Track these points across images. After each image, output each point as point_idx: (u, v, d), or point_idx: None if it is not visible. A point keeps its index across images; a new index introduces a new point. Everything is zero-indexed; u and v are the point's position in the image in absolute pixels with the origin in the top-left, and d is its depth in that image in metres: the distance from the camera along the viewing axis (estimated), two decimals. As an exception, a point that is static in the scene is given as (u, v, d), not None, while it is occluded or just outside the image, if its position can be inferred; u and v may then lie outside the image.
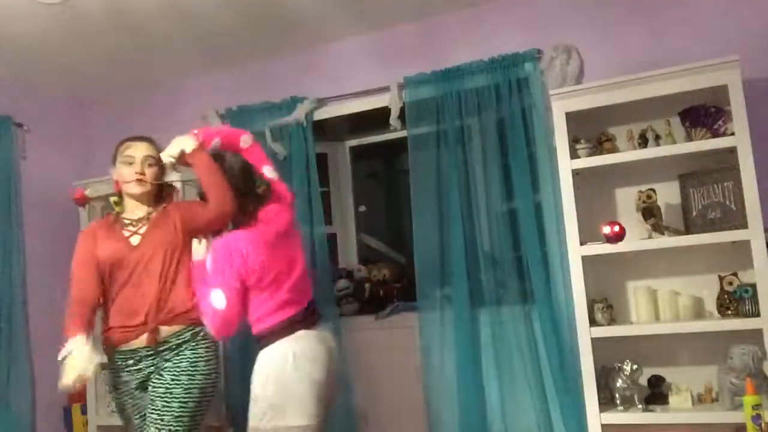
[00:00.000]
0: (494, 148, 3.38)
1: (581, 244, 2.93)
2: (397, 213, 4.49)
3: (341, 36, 3.81)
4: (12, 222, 3.85)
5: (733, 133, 2.75)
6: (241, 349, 3.78)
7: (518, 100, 3.31)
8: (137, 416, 2.58)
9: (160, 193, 2.66)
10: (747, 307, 2.73)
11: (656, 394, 2.91)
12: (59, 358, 2.48)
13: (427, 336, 3.42)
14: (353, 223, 4.24)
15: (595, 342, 2.89)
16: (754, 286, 2.70)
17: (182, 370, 2.47)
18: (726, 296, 2.84)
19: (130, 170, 2.56)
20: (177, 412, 2.42)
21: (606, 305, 2.94)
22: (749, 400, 2.36)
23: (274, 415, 2.33)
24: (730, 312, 2.82)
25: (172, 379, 2.46)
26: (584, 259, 2.91)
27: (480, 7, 3.52)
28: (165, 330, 2.50)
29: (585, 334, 2.89)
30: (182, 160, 2.56)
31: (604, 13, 3.27)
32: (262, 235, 2.44)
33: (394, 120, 3.62)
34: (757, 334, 2.65)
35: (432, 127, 3.51)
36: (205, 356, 2.52)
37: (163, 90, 4.31)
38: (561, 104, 3.00)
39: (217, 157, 2.56)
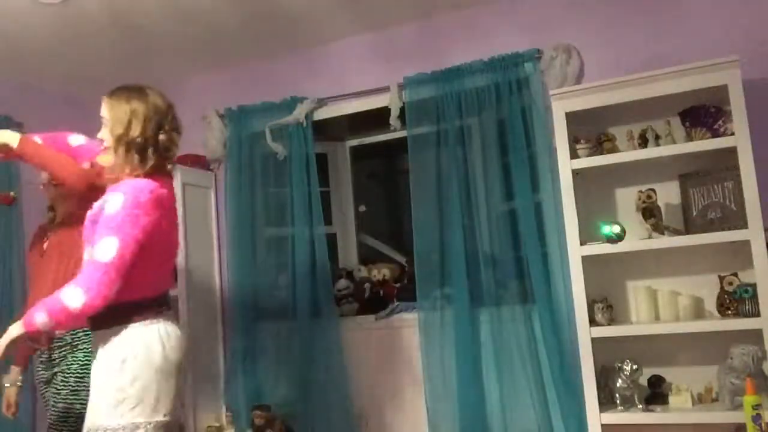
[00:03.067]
0: (494, 148, 3.38)
1: (581, 244, 2.93)
2: (397, 213, 4.49)
3: (341, 36, 3.81)
4: (12, 222, 3.85)
5: (733, 133, 2.75)
6: (243, 350, 3.78)
7: (518, 100, 3.31)
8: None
9: None
10: (747, 307, 2.73)
11: (656, 394, 2.91)
12: None
13: (427, 336, 3.42)
14: (353, 223, 4.24)
15: (595, 342, 2.89)
16: (754, 286, 2.70)
17: (71, 373, 2.54)
18: (726, 296, 2.84)
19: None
20: (61, 412, 2.50)
21: (606, 305, 2.94)
22: (749, 400, 2.36)
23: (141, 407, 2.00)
24: (730, 312, 2.82)
25: (62, 380, 2.54)
26: (584, 259, 2.91)
27: (480, 7, 3.52)
28: (59, 331, 2.54)
29: (585, 334, 2.88)
30: (8, 154, 2.42)
31: (604, 13, 3.27)
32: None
33: (394, 120, 3.63)
34: (757, 334, 2.65)
35: (432, 127, 3.51)
36: None
37: (163, 90, 4.27)
38: (561, 104, 3.00)
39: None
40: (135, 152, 2.07)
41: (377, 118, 3.72)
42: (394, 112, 3.62)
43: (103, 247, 1.93)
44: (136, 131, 2.08)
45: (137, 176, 2.05)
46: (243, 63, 4.06)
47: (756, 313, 2.68)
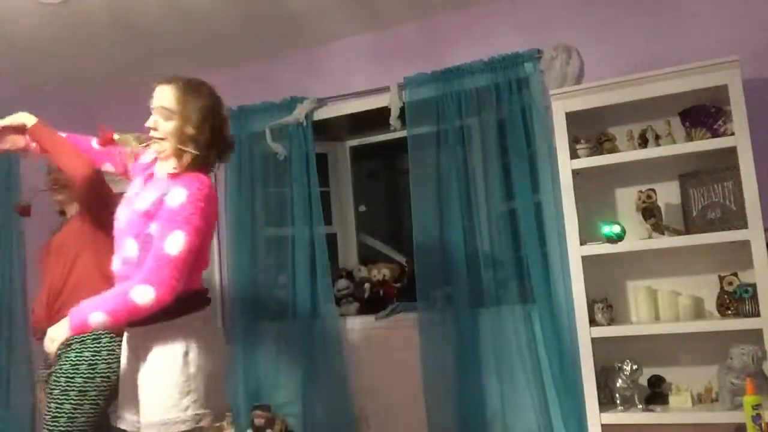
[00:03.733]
0: (494, 148, 3.38)
1: (581, 244, 2.93)
2: (397, 213, 4.49)
3: (341, 36, 3.81)
4: (12, 222, 3.85)
5: (733, 133, 2.75)
6: (243, 350, 3.78)
7: (518, 100, 3.31)
8: None
9: None
10: (747, 307, 2.73)
11: (656, 394, 2.91)
12: None
13: (427, 336, 3.42)
14: (353, 223, 4.24)
15: (595, 342, 2.89)
16: (754, 286, 2.70)
17: (62, 372, 2.52)
18: (726, 296, 2.84)
19: (48, 178, 2.88)
20: (53, 412, 2.48)
21: (606, 305, 2.94)
22: (749, 400, 2.36)
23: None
24: (730, 312, 2.82)
25: (54, 380, 2.53)
26: (584, 259, 2.91)
27: (480, 7, 3.52)
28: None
29: (585, 334, 2.89)
30: (23, 132, 2.46)
31: (604, 13, 3.27)
32: None
33: (394, 120, 3.63)
34: (757, 334, 2.65)
35: (432, 127, 3.51)
36: (90, 359, 2.53)
37: (163, 90, 4.30)
38: (561, 104, 3.00)
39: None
40: (200, 150, 2.07)
41: (377, 118, 3.72)
42: (394, 112, 3.62)
43: (172, 240, 1.92)
44: (205, 131, 2.07)
45: (195, 171, 2.05)
46: (243, 63, 4.06)
47: (756, 313, 2.68)
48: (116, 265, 2.10)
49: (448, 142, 3.45)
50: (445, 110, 3.46)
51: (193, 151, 2.05)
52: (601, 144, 3.06)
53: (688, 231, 2.91)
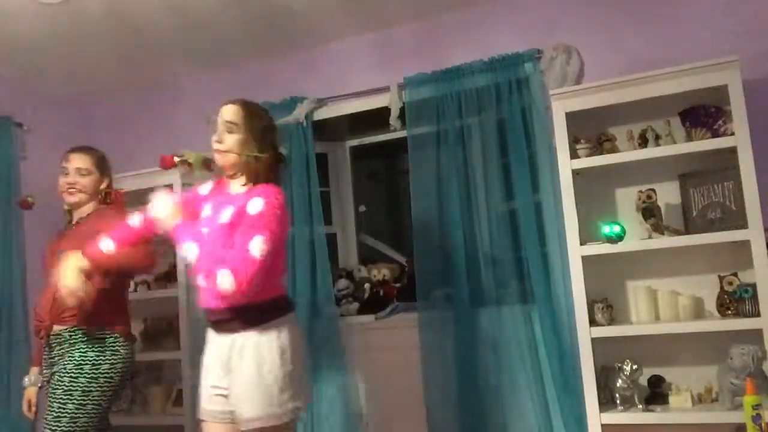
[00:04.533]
0: (494, 148, 3.38)
1: (581, 244, 2.93)
2: (397, 213, 4.49)
3: (341, 36, 3.81)
4: (12, 222, 3.85)
5: (733, 133, 2.75)
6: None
7: (518, 100, 3.31)
8: None
9: (104, 200, 2.84)
10: (747, 307, 2.73)
11: (656, 394, 2.91)
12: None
13: (427, 336, 3.42)
14: (353, 223, 4.24)
15: (595, 342, 2.89)
16: (754, 286, 2.70)
17: (66, 372, 2.53)
18: (726, 296, 2.84)
19: (62, 180, 2.80)
20: (56, 412, 2.49)
21: (606, 305, 2.94)
22: (749, 400, 2.36)
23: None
24: (730, 312, 2.82)
25: (57, 379, 2.53)
26: (584, 259, 2.92)
27: (480, 7, 3.52)
28: (56, 327, 2.62)
29: (585, 334, 2.89)
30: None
31: (604, 13, 3.27)
32: None
33: (394, 120, 3.63)
34: (757, 334, 2.65)
35: (432, 127, 3.50)
36: (94, 360, 2.55)
37: (163, 90, 4.31)
38: (561, 104, 3.00)
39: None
40: (268, 164, 2.30)
41: (377, 118, 3.72)
42: (394, 112, 3.62)
43: (254, 244, 2.09)
44: (266, 145, 2.30)
45: (265, 183, 2.26)
46: (243, 63, 4.06)
47: (756, 313, 2.68)
48: (201, 280, 2.21)
49: (448, 142, 3.45)
50: (445, 110, 3.46)
51: (256, 155, 2.26)
52: (601, 144, 3.06)
53: (688, 231, 2.91)
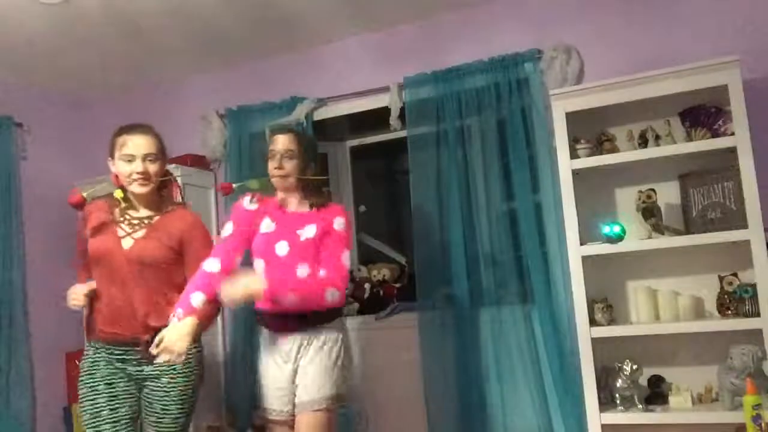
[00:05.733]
0: (494, 148, 3.38)
1: (581, 244, 2.93)
2: (397, 213, 4.49)
3: (341, 36, 3.81)
4: (12, 222, 3.85)
5: (733, 133, 2.75)
6: (243, 350, 3.78)
7: (518, 100, 3.31)
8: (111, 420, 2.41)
9: (161, 187, 2.55)
10: (747, 307, 2.73)
11: (656, 394, 2.91)
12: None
13: (427, 336, 3.42)
14: (353, 223, 4.23)
15: (595, 342, 2.89)
16: (754, 286, 2.70)
17: (178, 383, 2.42)
18: (726, 296, 2.84)
19: (130, 168, 2.43)
20: (175, 413, 2.43)
21: (606, 305, 2.94)
22: (749, 400, 2.36)
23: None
24: (730, 312, 2.82)
25: (172, 386, 2.42)
26: (584, 259, 2.92)
27: (480, 7, 3.52)
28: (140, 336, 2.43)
29: (585, 334, 2.89)
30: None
31: (604, 13, 3.27)
32: None
33: (394, 120, 3.63)
34: (757, 334, 2.65)
35: (432, 127, 3.50)
36: (197, 369, 2.48)
37: (163, 90, 4.31)
38: (561, 104, 3.00)
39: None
40: (316, 184, 2.63)
41: (377, 118, 3.72)
42: (394, 112, 3.62)
43: (344, 257, 2.49)
44: (318, 167, 2.66)
45: (328, 202, 2.64)
46: (243, 63, 4.06)
47: (756, 313, 2.68)
48: None
49: (448, 142, 3.45)
50: (445, 110, 3.46)
51: (313, 177, 2.60)
52: (601, 144, 3.06)
53: (688, 231, 2.91)
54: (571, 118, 2.98)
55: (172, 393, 2.41)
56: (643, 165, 2.98)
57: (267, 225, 2.57)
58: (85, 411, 2.40)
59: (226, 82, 4.12)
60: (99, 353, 2.45)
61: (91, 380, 2.42)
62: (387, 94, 3.65)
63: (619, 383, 2.85)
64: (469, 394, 3.29)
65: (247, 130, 3.95)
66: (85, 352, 2.50)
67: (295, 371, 2.51)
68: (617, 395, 2.86)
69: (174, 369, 2.41)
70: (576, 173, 2.98)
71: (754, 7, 3.00)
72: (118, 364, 2.43)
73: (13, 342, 3.77)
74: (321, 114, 3.87)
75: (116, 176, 2.49)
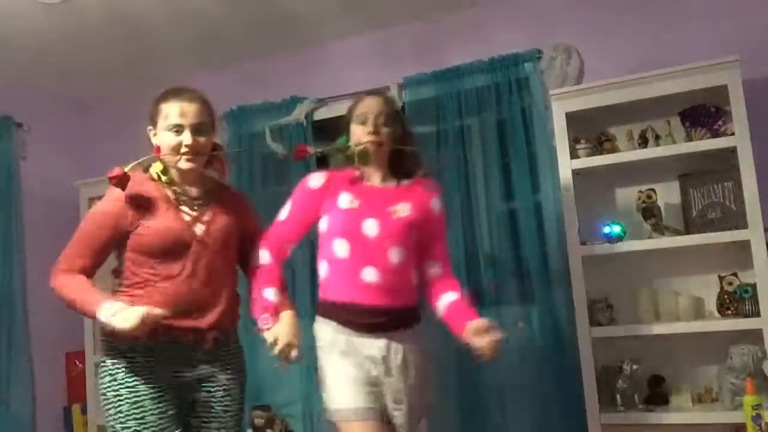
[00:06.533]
0: (494, 148, 3.38)
1: (581, 244, 2.93)
2: (397, 213, 4.48)
3: (341, 36, 3.81)
4: (12, 222, 3.85)
5: (733, 133, 2.75)
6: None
7: (518, 100, 3.31)
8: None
9: (208, 163, 2.21)
10: (747, 307, 2.73)
11: (656, 394, 2.91)
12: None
13: (427, 336, 3.41)
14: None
15: (595, 342, 2.89)
16: (754, 286, 2.70)
17: (233, 378, 2.16)
18: (726, 296, 2.84)
19: (176, 140, 2.07)
20: (237, 415, 2.18)
21: (606, 305, 2.94)
22: (749, 400, 2.36)
23: None
24: (730, 312, 2.82)
25: (230, 382, 2.15)
26: (584, 259, 2.91)
27: (480, 7, 3.52)
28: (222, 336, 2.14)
29: (585, 334, 2.88)
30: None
31: (604, 13, 3.27)
32: None
33: (394, 120, 3.62)
34: (757, 334, 2.65)
35: (432, 127, 3.50)
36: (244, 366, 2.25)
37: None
38: (561, 104, 3.00)
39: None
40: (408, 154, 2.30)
41: (377, 118, 3.72)
42: (395, 112, 3.61)
43: (448, 250, 2.34)
44: (409, 138, 2.34)
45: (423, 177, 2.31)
46: (243, 63, 4.06)
47: (756, 313, 2.68)
48: (371, 275, 2.10)
49: (448, 142, 3.45)
50: (445, 110, 3.46)
51: (408, 147, 2.24)
52: (601, 144, 3.06)
53: (688, 231, 2.91)
54: (571, 118, 2.98)
55: (233, 391, 2.14)
56: (643, 165, 2.98)
57: (348, 201, 2.18)
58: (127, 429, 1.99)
59: (226, 82, 4.11)
60: (135, 361, 2.02)
61: (134, 395, 2.00)
62: (387, 94, 3.64)
63: (619, 383, 2.85)
64: (468, 394, 3.28)
65: (247, 130, 3.95)
66: (112, 363, 2.05)
67: (391, 375, 2.13)
68: (617, 395, 2.86)
69: (230, 365, 2.15)
70: (576, 173, 2.98)
71: (753, 7, 3.00)
72: (164, 372, 2.04)
73: (13, 342, 3.77)
74: (321, 114, 3.86)
75: (158, 148, 2.11)
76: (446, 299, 2.25)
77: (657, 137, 2.97)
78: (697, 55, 2.92)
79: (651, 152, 2.92)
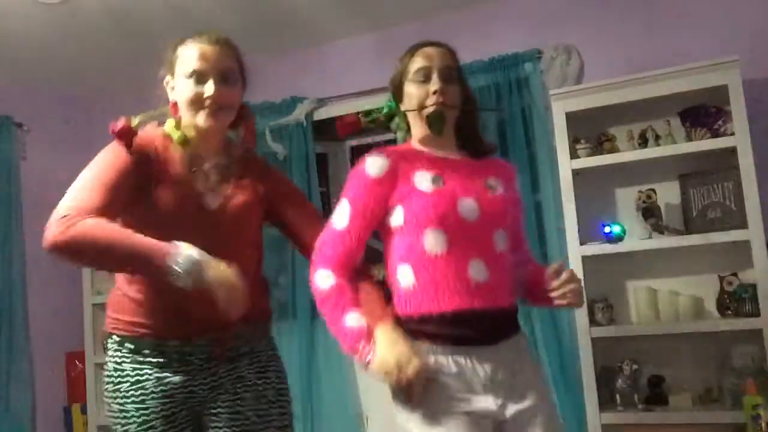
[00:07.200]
0: (494, 148, 3.38)
1: (581, 244, 2.93)
2: (397, 213, 4.48)
3: (341, 36, 3.81)
4: (12, 222, 3.85)
5: (733, 133, 2.75)
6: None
7: (518, 100, 3.31)
8: None
9: (233, 123, 1.86)
10: (747, 307, 2.73)
11: (656, 394, 2.91)
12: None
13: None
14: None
15: (595, 342, 2.89)
16: (754, 286, 2.70)
17: (276, 383, 1.79)
18: (726, 296, 2.84)
19: (196, 89, 1.71)
20: (284, 423, 1.80)
21: (606, 305, 2.94)
22: (749, 400, 2.36)
23: None
24: (730, 312, 2.82)
25: (280, 392, 1.79)
26: (584, 259, 2.92)
27: (480, 7, 3.52)
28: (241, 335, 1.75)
29: (585, 334, 2.88)
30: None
31: (604, 13, 3.27)
32: None
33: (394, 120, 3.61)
34: (757, 334, 2.65)
35: (432, 127, 3.50)
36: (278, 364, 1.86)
37: (164, 90, 4.30)
38: (561, 104, 3.00)
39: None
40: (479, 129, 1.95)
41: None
42: (395, 112, 3.59)
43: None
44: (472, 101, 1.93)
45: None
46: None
47: (756, 313, 2.68)
48: (481, 270, 1.64)
49: (448, 142, 3.45)
50: (445, 110, 3.46)
51: (475, 110, 1.82)
52: (601, 144, 3.06)
53: (688, 231, 2.91)
54: (571, 118, 2.98)
55: (268, 394, 1.75)
56: (643, 165, 2.98)
57: (429, 180, 1.69)
58: None
59: (226, 82, 4.11)
60: (142, 366, 1.67)
61: (143, 413, 1.65)
62: (387, 94, 3.63)
63: (619, 383, 2.85)
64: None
65: (247, 129, 3.94)
66: (115, 367, 1.70)
67: (510, 390, 1.65)
68: (617, 395, 2.86)
69: (260, 363, 1.78)
70: (576, 173, 2.98)
71: (754, 7, 3.00)
72: (175, 378, 1.67)
73: (13, 342, 3.77)
74: (321, 114, 3.86)
75: (175, 105, 1.80)
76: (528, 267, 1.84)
77: (657, 137, 2.97)
78: (697, 55, 2.92)
79: (651, 152, 2.92)
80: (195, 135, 1.73)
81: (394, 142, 2.05)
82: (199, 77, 1.71)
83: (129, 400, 1.65)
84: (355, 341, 1.60)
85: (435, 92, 1.72)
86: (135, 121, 1.70)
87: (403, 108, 1.84)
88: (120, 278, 1.72)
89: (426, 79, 1.75)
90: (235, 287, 1.49)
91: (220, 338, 1.70)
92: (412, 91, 1.78)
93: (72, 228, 1.50)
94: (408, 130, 1.87)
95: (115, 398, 1.67)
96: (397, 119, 1.92)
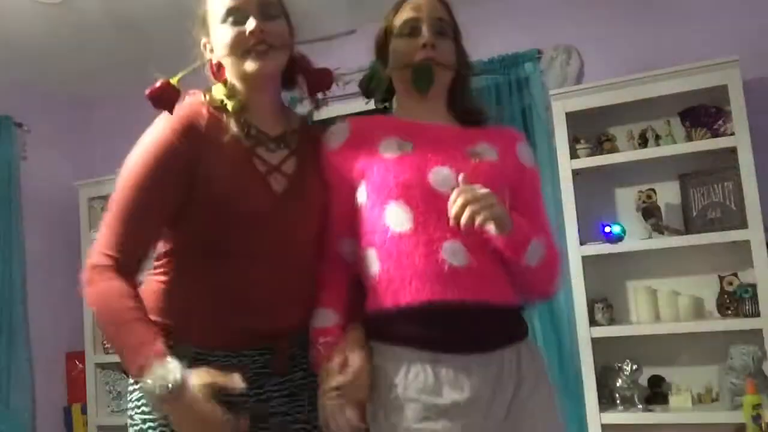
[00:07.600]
0: (494, 148, 3.38)
1: (581, 244, 2.93)
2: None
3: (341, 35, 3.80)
4: (12, 222, 3.84)
5: (733, 133, 2.75)
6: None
7: (518, 100, 3.31)
8: None
9: (288, 77, 1.59)
10: (747, 307, 2.74)
11: (656, 394, 2.91)
12: None
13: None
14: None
15: (595, 342, 2.89)
16: (754, 286, 2.70)
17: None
18: (726, 296, 2.84)
19: (236, 30, 1.41)
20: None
21: (606, 305, 2.94)
22: (749, 400, 2.36)
23: None
24: (730, 312, 2.82)
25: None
26: (584, 259, 2.92)
27: (479, 6, 3.51)
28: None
29: (585, 334, 2.89)
30: None
31: (604, 13, 3.27)
32: None
33: (394, 120, 3.60)
34: (757, 334, 2.65)
35: (432, 127, 3.50)
36: None
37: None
38: (561, 104, 3.00)
39: None
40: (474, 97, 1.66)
41: (377, 118, 3.72)
42: (395, 112, 3.59)
43: (550, 221, 1.58)
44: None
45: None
46: (243, 63, 4.05)
47: (756, 313, 2.68)
48: (456, 253, 1.30)
49: (448, 142, 3.45)
50: (445, 110, 3.46)
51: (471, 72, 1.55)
52: (601, 144, 3.06)
53: (688, 231, 2.91)
54: (571, 118, 2.98)
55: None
56: (643, 165, 2.98)
57: (394, 146, 1.41)
58: None
59: (226, 82, 4.11)
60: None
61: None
62: (387, 94, 3.64)
63: (619, 383, 2.85)
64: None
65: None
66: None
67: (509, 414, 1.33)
68: (617, 395, 2.86)
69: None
70: (576, 173, 2.98)
71: (754, 7, 3.00)
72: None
73: (13, 342, 3.77)
74: (321, 114, 3.85)
75: (217, 66, 1.51)
76: None
77: (657, 137, 2.97)
78: (696, 55, 2.92)
79: (651, 152, 2.92)
80: (246, 89, 1.44)
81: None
82: (237, 17, 1.40)
83: (156, 415, 1.32)
84: (325, 335, 1.39)
85: (424, 45, 1.45)
86: (175, 79, 1.40)
87: (388, 71, 1.52)
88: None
89: (413, 32, 1.49)
90: (210, 426, 1.20)
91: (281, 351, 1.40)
92: (397, 47, 1.49)
93: (86, 288, 1.32)
94: (390, 97, 1.59)
95: (140, 407, 1.36)
96: (374, 80, 1.62)
